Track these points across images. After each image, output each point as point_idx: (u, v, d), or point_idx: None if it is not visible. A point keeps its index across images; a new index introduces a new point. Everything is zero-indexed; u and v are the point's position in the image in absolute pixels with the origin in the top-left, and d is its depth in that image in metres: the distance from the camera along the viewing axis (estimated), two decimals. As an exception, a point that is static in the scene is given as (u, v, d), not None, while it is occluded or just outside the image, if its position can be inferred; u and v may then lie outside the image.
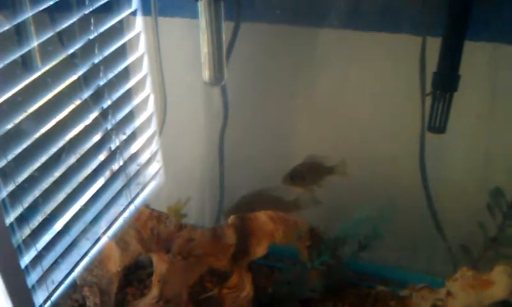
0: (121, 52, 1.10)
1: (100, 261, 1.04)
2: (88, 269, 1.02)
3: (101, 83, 1.03)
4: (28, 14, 0.85)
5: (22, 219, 0.86)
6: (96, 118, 1.03)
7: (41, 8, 0.87)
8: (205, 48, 1.08)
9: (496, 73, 1.08)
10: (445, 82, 1.03)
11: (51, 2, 0.89)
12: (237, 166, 1.33)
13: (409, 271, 1.21)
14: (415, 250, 1.26)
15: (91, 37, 0.99)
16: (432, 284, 1.07)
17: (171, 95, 1.25)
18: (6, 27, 0.81)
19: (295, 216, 1.10)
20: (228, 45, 1.16)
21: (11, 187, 0.84)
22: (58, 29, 0.91)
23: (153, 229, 1.03)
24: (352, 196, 1.18)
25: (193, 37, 1.10)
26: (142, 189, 1.20)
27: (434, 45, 1.02)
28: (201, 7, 1.05)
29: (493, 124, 1.13)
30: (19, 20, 0.84)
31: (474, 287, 0.99)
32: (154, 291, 1.03)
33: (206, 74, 1.10)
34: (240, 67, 1.20)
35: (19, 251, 0.86)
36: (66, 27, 0.93)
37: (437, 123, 1.05)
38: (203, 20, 1.06)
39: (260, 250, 1.07)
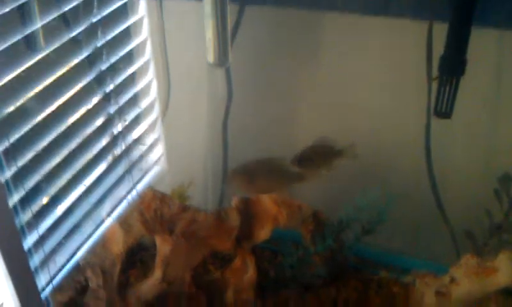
0: (125, 36, 1.09)
1: (103, 242, 1.04)
2: (91, 251, 1.02)
3: (104, 66, 1.02)
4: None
5: (25, 201, 0.86)
6: (99, 102, 1.02)
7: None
8: (209, 31, 1.07)
9: (504, 59, 1.07)
10: (452, 66, 1.02)
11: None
12: (241, 150, 1.32)
13: (413, 257, 1.21)
14: (419, 236, 1.26)
15: (95, 20, 0.98)
16: (436, 271, 1.06)
17: (175, 79, 1.25)
18: (11, 7, 0.81)
19: (298, 199, 1.10)
20: (233, 27, 1.15)
21: (14, 169, 0.84)
22: (62, 11, 0.91)
23: (157, 211, 1.03)
24: (357, 182, 1.18)
25: (197, 20, 1.10)
26: (145, 174, 1.19)
27: (442, 29, 1.01)
28: (206, -11, 1.04)
29: (499, 110, 1.12)
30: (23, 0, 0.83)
31: (478, 274, 0.98)
32: (157, 273, 1.03)
33: (210, 56, 1.09)
34: (245, 50, 1.19)
35: (22, 232, 0.86)
36: (70, 9, 0.92)
37: (443, 108, 1.04)
38: (208, 3, 1.05)
39: (263, 233, 1.07)
